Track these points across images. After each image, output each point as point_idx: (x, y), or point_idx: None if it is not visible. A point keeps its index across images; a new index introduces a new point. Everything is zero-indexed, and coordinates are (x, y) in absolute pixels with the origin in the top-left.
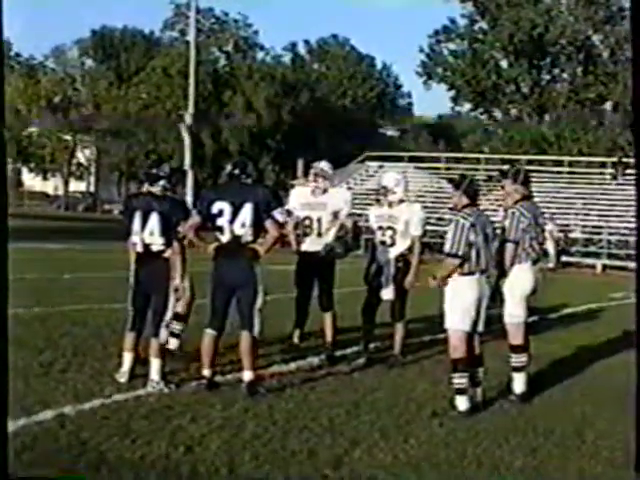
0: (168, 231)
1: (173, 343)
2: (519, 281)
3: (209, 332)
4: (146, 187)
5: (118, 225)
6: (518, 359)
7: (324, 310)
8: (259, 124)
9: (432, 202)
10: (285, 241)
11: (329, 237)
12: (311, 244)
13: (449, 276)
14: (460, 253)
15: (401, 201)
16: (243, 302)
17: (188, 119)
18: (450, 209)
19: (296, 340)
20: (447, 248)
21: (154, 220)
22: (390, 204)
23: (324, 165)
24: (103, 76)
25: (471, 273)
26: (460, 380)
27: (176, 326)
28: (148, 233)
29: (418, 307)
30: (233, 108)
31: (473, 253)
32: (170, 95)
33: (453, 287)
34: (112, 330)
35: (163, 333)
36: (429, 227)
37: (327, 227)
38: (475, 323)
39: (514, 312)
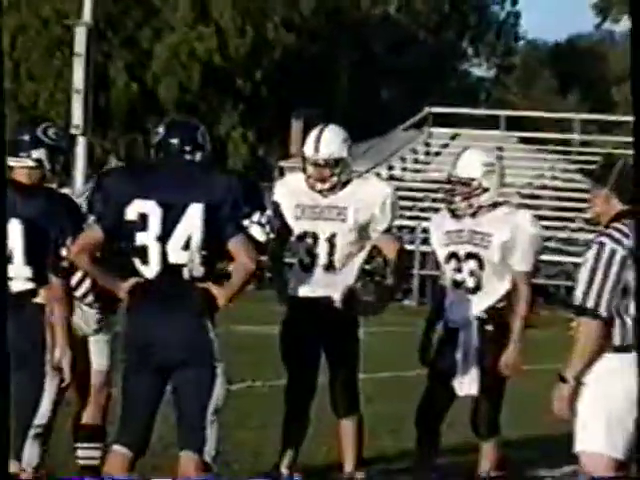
0: (41, 255)
1: None
2: None
3: (118, 451)
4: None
5: None
6: None
7: (340, 414)
8: (221, 49)
9: (554, 208)
10: (262, 276)
11: (350, 273)
12: (315, 286)
13: (592, 362)
14: (604, 310)
15: (494, 205)
16: (186, 397)
17: (82, 35)
18: (588, 222)
19: (285, 470)
20: (580, 298)
21: (15, 234)
22: (474, 212)
23: (330, 143)
24: None
25: (626, 348)
26: None
27: (88, 452)
28: None
29: (519, 408)
30: (169, 16)
31: (631, 309)
32: None
33: (592, 376)
34: None
35: (30, 448)
36: (546, 257)
37: (346, 253)
38: (636, 445)
39: None
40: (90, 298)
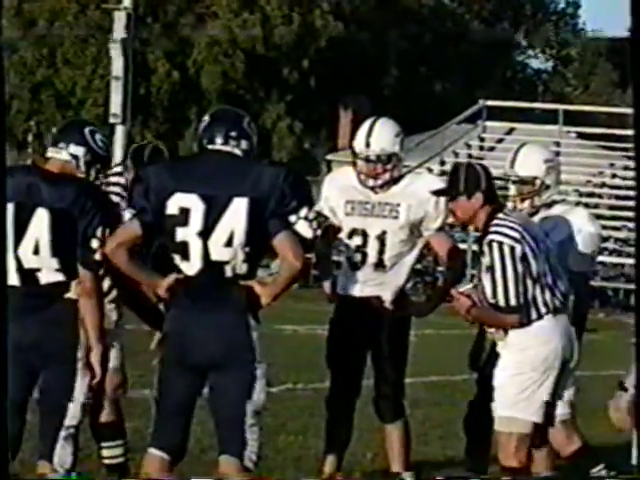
0: (69, 247)
1: None
2: None
3: (154, 454)
4: (35, 156)
5: None
6: None
7: (386, 419)
8: (266, 37)
9: (612, 207)
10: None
11: (401, 272)
12: (364, 286)
13: None
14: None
15: (551, 205)
16: (224, 398)
17: (121, 20)
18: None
19: (328, 469)
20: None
21: (41, 224)
22: (532, 210)
23: (382, 138)
24: None
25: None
26: None
27: (113, 451)
28: (30, 249)
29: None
30: (213, 2)
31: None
32: None
33: None
34: None
35: (61, 450)
36: (605, 258)
37: (397, 252)
38: None
39: None
40: (113, 294)
